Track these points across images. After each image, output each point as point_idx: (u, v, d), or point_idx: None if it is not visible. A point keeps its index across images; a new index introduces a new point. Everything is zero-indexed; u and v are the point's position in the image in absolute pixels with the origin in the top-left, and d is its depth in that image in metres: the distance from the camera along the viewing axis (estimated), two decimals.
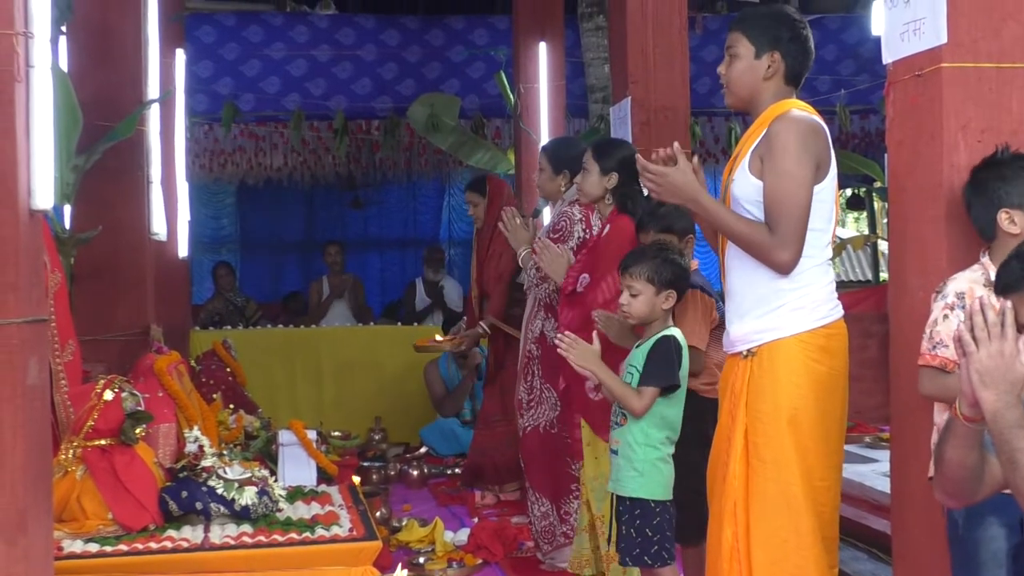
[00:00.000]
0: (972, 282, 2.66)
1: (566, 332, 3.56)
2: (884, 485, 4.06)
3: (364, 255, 11.70)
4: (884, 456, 4.17)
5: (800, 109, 3.03)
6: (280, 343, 8.11)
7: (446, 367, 7.72)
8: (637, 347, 3.56)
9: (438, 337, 6.42)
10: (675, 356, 3.46)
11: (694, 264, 4.05)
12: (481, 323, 5.89)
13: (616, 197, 4.24)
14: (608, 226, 4.23)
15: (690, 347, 3.63)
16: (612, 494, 3.50)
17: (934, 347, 2.65)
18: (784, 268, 2.95)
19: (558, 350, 3.53)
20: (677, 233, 3.92)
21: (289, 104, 9.61)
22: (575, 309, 4.23)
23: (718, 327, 3.76)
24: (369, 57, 9.80)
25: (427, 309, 9.05)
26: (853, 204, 13.50)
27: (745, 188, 3.02)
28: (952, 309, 2.65)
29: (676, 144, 3.06)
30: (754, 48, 3.09)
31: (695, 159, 3.10)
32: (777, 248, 2.92)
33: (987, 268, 2.67)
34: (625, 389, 3.45)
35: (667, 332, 3.50)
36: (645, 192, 3.94)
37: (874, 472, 4.70)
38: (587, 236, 4.60)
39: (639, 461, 3.41)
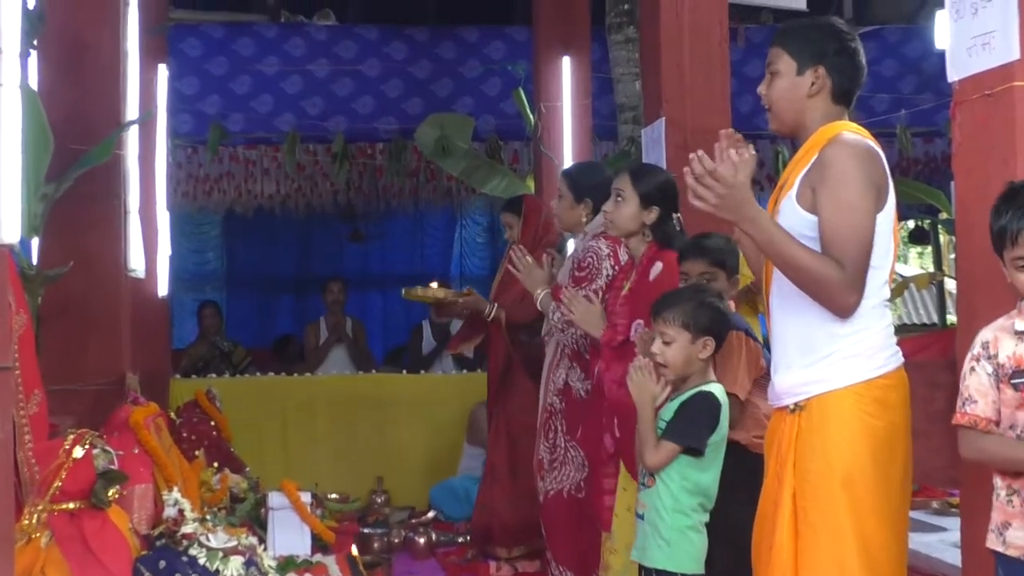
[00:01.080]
0: (1000, 330, 2.65)
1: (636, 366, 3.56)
2: (955, 557, 4.00)
3: (365, 294, 11.73)
4: (954, 524, 4.15)
5: (852, 132, 3.03)
6: (271, 393, 8.16)
7: None
8: (671, 401, 3.58)
9: (434, 285, 6.44)
10: (707, 416, 3.48)
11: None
12: (493, 303, 5.95)
13: (657, 231, 4.25)
14: (658, 264, 4.22)
15: (732, 396, 3.65)
16: (638, 565, 3.52)
17: (963, 403, 2.64)
18: (848, 311, 2.94)
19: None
20: (726, 270, 3.95)
21: (283, 125, 9.73)
22: (628, 362, 4.23)
23: (764, 376, 3.76)
24: (372, 73, 9.90)
25: (434, 354, 9.10)
26: (916, 238, 13.44)
27: (793, 222, 3.01)
28: (978, 361, 2.64)
29: (730, 131, 3.04)
30: (796, 63, 3.11)
31: (750, 147, 3.03)
32: (845, 288, 2.90)
33: (1022, 314, 2.64)
34: (648, 435, 3.47)
35: (705, 387, 3.51)
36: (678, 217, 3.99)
37: (943, 542, 4.66)
38: (614, 273, 4.62)
39: (667, 529, 3.42)
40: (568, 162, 7.87)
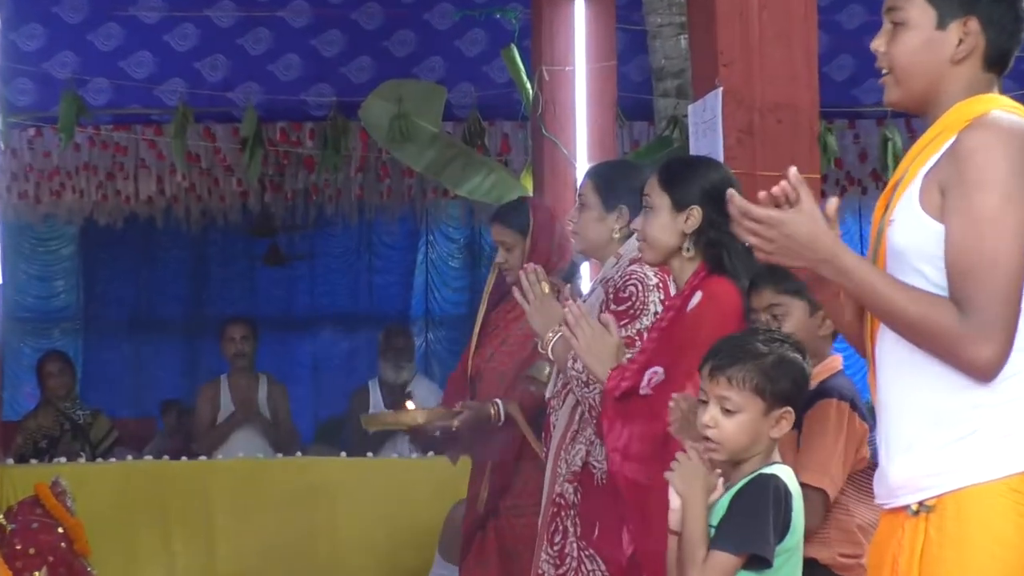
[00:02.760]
0: None
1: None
2: None
3: (287, 342, 11.78)
4: None
5: (1006, 110, 3.04)
6: (148, 485, 8.10)
7: None
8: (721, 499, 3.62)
9: (410, 405, 6.49)
10: (773, 509, 3.49)
11: (836, 361, 4.06)
12: (496, 401, 5.93)
13: (701, 246, 4.31)
14: (698, 294, 4.29)
15: (810, 487, 3.67)
16: None
17: None
18: (983, 371, 2.94)
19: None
20: (805, 300, 3.99)
21: (168, 96, 9.77)
22: (637, 424, 4.27)
23: (868, 468, 3.77)
24: (298, 21, 9.93)
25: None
26: None
27: (914, 236, 3.02)
28: None
29: (793, 170, 3.06)
30: (935, 12, 3.10)
31: (832, 202, 3.13)
32: (972, 339, 2.91)
33: None
34: (698, 546, 3.49)
35: (767, 469, 3.54)
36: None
37: None
38: (663, 312, 4.64)
39: None
40: (582, 150, 7.91)
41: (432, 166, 8.68)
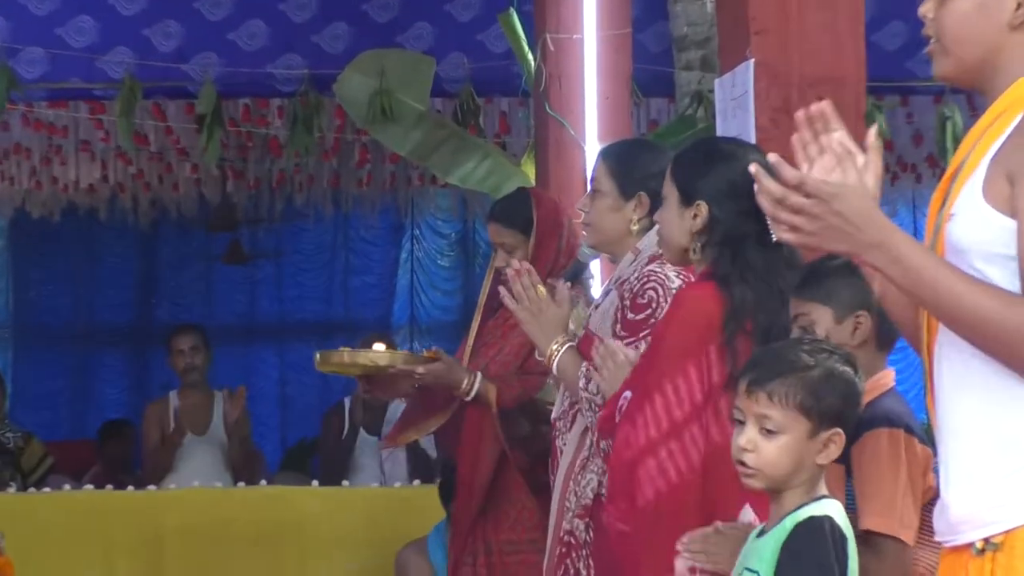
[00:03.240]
0: None
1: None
2: None
3: (250, 354, 11.80)
4: None
5: None
6: (88, 519, 8.08)
7: (439, 544, 7.55)
8: (757, 536, 3.61)
9: (378, 347, 6.51)
10: (834, 558, 3.45)
11: (887, 377, 4.08)
12: (476, 372, 5.96)
13: (708, 246, 4.30)
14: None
15: (885, 537, 3.70)
16: None
17: None
18: None
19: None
20: (832, 307, 4.03)
21: (113, 68, 9.76)
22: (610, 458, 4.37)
23: (932, 500, 3.71)
24: None
25: (364, 452, 9.21)
26: None
27: (977, 233, 3.01)
28: None
29: (826, 105, 3.11)
30: None
31: (872, 132, 3.12)
32: None
33: None
34: None
35: (816, 509, 3.52)
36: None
37: None
38: None
39: None
40: (591, 131, 7.90)
41: (419, 150, 8.69)
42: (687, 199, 4.29)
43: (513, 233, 6.02)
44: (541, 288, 4.93)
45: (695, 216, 4.26)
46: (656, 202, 4.66)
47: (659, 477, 3.98)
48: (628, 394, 4.23)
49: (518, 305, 4.93)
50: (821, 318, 4.07)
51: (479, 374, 5.90)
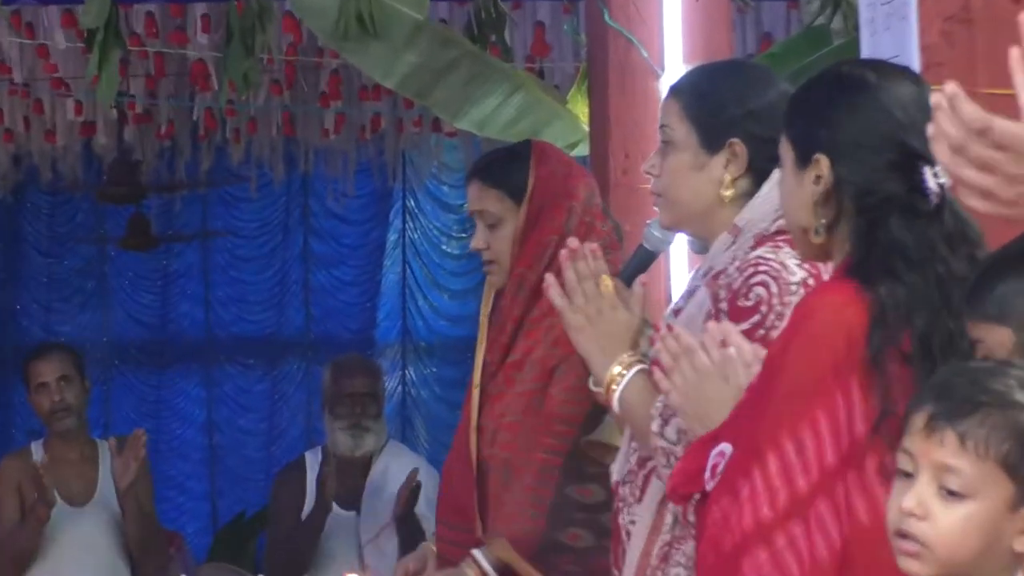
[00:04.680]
0: None
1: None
2: None
3: (160, 385, 10.81)
4: None
5: None
6: None
7: None
8: None
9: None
10: None
11: None
12: (474, 554, 5.50)
13: (839, 223, 3.92)
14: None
15: None
16: None
17: None
18: None
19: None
20: (1012, 325, 3.47)
21: None
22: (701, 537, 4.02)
23: None
24: None
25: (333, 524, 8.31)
26: None
27: None
28: None
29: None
30: None
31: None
32: None
33: None
34: None
35: None
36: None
37: None
38: None
39: None
40: (674, 51, 7.09)
41: (414, 79, 7.85)
42: (804, 155, 3.88)
43: (499, 197, 5.67)
44: (608, 280, 4.54)
45: (817, 178, 3.81)
46: (759, 151, 4.44)
47: None
48: (726, 447, 3.81)
49: (569, 305, 4.53)
50: (996, 344, 3.41)
51: (478, 553, 5.52)
